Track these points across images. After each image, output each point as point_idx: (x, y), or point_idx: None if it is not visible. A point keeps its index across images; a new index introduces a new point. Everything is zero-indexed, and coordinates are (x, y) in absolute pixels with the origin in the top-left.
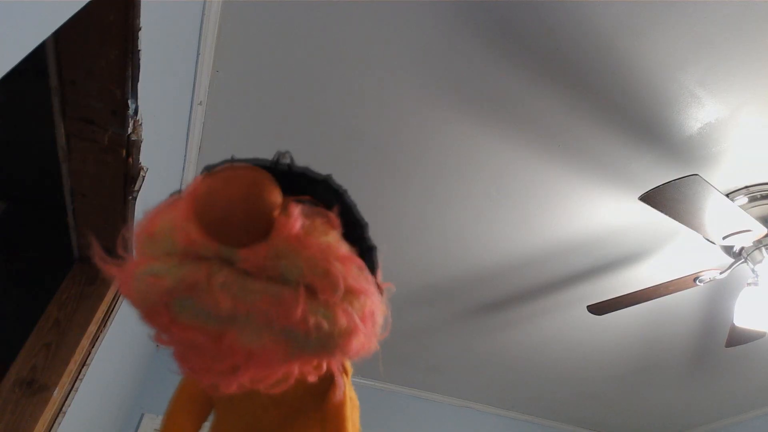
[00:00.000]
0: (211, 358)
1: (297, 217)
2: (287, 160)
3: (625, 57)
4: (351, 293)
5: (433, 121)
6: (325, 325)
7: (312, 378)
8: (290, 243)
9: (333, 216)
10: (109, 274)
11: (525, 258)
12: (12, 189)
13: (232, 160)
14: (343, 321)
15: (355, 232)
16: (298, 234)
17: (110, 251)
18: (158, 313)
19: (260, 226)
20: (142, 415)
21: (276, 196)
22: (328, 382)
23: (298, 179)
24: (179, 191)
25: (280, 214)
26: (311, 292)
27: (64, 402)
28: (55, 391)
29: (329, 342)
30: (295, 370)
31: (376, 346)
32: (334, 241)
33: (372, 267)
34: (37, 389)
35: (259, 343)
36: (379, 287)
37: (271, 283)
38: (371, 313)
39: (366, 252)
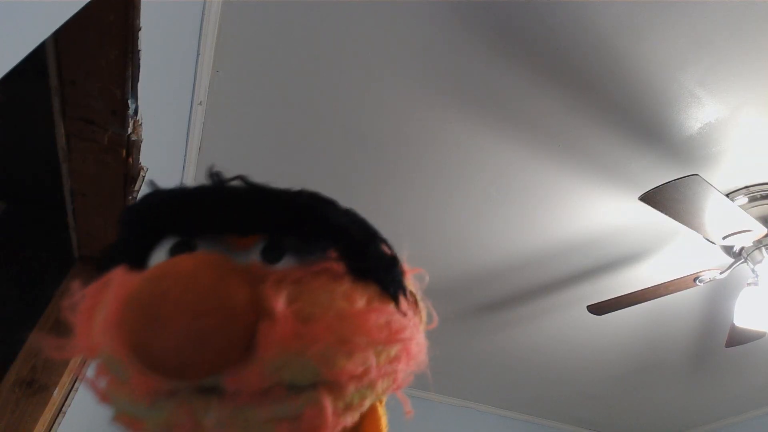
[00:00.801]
0: None
1: (283, 310)
2: (237, 182)
3: (625, 57)
4: (384, 349)
5: (433, 121)
6: (366, 401)
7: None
8: (286, 347)
9: (332, 263)
10: (67, 356)
11: (525, 258)
12: (12, 189)
13: (157, 193)
14: (384, 382)
15: (368, 253)
16: (293, 330)
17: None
18: None
19: (234, 350)
20: None
21: (242, 296)
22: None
23: (268, 203)
24: (106, 266)
25: (259, 314)
26: (336, 385)
27: (64, 402)
28: (55, 391)
29: (371, 403)
30: None
31: (425, 360)
32: (343, 301)
33: (400, 283)
34: (37, 389)
35: None
36: (412, 293)
37: (281, 402)
38: (410, 346)
39: (387, 270)
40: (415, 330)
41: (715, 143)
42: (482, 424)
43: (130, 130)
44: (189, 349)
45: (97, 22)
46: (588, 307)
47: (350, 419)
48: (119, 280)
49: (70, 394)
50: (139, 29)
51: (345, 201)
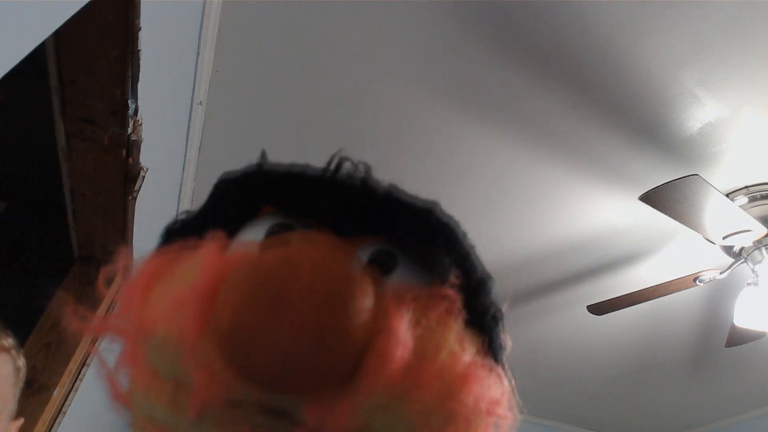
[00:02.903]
0: None
1: (404, 336)
2: (361, 172)
3: (625, 57)
4: (483, 417)
5: (433, 121)
6: None
7: None
8: (393, 384)
9: (453, 296)
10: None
11: (525, 258)
12: (12, 189)
13: (259, 167)
14: None
15: (482, 299)
16: (406, 363)
17: (110, 251)
18: None
19: (341, 368)
20: None
21: (370, 303)
22: None
23: (380, 207)
24: (178, 232)
25: (377, 332)
26: None
27: (64, 402)
28: (55, 391)
29: None
30: None
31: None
32: (457, 345)
33: (503, 342)
34: (37, 389)
35: None
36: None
37: None
38: (506, 418)
39: (495, 327)
40: (510, 401)
41: (715, 143)
42: None
43: (130, 130)
44: (291, 364)
45: (97, 22)
46: (588, 307)
47: None
48: (203, 253)
49: (70, 394)
50: (139, 29)
51: None
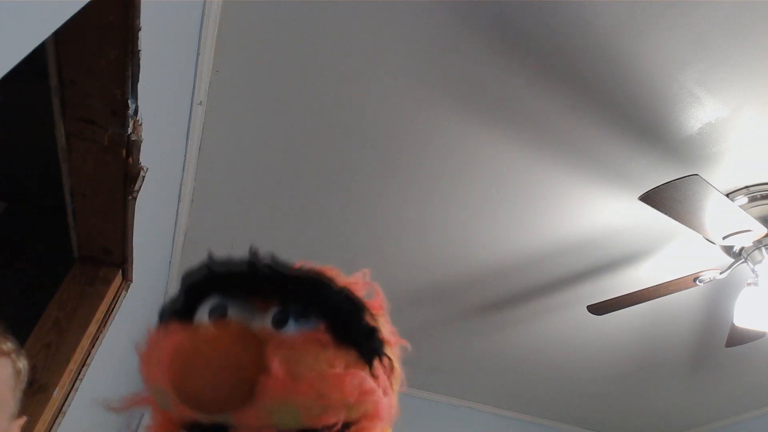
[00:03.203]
0: None
1: (278, 370)
2: (266, 262)
3: (625, 57)
4: (355, 405)
5: (433, 121)
6: None
7: None
8: (278, 396)
9: (321, 334)
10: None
11: (525, 258)
12: (12, 189)
13: (209, 270)
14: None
15: (352, 326)
16: (283, 383)
17: (110, 251)
18: None
19: (242, 393)
20: (143, 415)
21: (249, 359)
22: None
23: (282, 282)
24: (165, 316)
25: (261, 371)
26: (314, 431)
27: (64, 402)
28: (55, 391)
29: None
30: None
31: (395, 416)
32: (326, 365)
33: (376, 350)
34: (37, 389)
35: None
36: (389, 359)
37: None
38: (379, 406)
39: (366, 341)
40: (386, 392)
41: (715, 143)
42: (482, 424)
43: (130, 130)
44: (210, 390)
45: (97, 22)
46: (588, 307)
47: None
48: (171, 334)
49: (70, 394)
50: (139, 29)
51: (345, 200)
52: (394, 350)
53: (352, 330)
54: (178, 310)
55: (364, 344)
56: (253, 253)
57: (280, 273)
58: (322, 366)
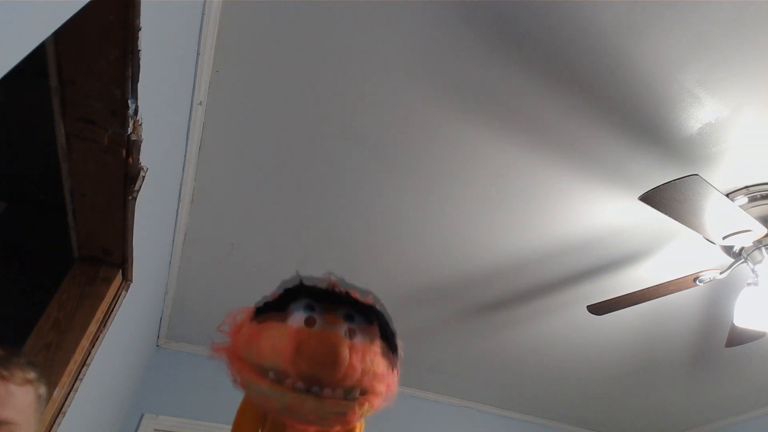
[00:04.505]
0: (302, 427)
1: (358, 367)
2: (342, 286)
3: (625, 57)
4: (385, 392)
5: (433, 121)
6: (367, 413)
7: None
8: (354, 383)
9: (375, 331)
10: (220, 357)
11: (525, 258)
12: (12, 189)
13: (300, 283)
14: (378, 406)
15: (388, 331)
16: (359, 377)
17: (110, 251)
18: (270, 411)
19: (341, 378)
20: (142, 415)
21: (346, 355)
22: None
23: (352, 299)
24: (263, 310)
25: (350, 363)
26: (361, 403)
27: (64, 402)
28: (55, 391)
29: (368, 414)
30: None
31: (395, 393)
32: (380, 365)
33: (396, 348)
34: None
35: (329, 427)
36: (400, 356)
37: (340, 405)
38: (393, 392)
39: (393, 341)
40: (395, 375)
41: (715, 143)
42: (482, 424)
43: (130, 130)
44: (324, 373)
45: (97, 22)
46: (588, 307)
47: (359, 418)
48: (287, 328)
49: (70, 394)
50: (139, 29)
51: (345, 201)
52: (401, 347)
53: (388, 330)
54: (275, 306)
55: (392, 341)
56: (332, 276)
57: (351, 294)
58: (378, 366)
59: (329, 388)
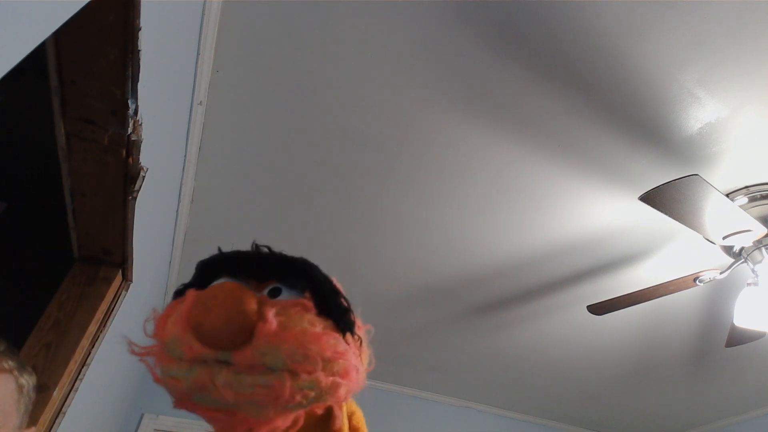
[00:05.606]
0: (230, 425)
1: (272, 320)
2: (265, 249)
3: (625, 57)
4: (329, 361)
5: (433, 121)
6: (312, 393)
7: (318, 411)
8: (269, 341)
9: (306, 301)
10: (143, 358)
11: (525, 258)
12: (12, 189)
13: (220, 253)
14: (326, 383)
15: (331, 302)
16: (275, 332)
17: (110, 251)
18: (183, 402)
19: (244, 334)
20: (142, 415)
21: (252, 307)
22: (328, 413)
23: (278, 263)
24: (181, 292)
25: (259, 319)
26: (295, 374)
27: (64, 402)
28: (55, 391)
29: (320, 399)
30: (302, 415)
31: (363, 385)
32: (308, 324)
33: (349, 325)
34: (37, 389)
35: (264, 416)
36: (359, 337)
37: (262, 375)
38: (350, 369)
39: (341, 316)
40: (355, 359)
41: (715, 143)
42: (482, 424)
43: (130, 130)
44: (221, 328)
45: (97, 22)
46: (588, 307)
47: (299, 398)
48: (190, 293)
49: (70, 394)
50: (139, 29)
51: (345, 201)
52: (362, 333)
53: (331, 305)
54: (193, 285)
55: (340, 319)
56: (255, 245)
57: (277, 256)
58: (305, 324)
59: (240, 352)
